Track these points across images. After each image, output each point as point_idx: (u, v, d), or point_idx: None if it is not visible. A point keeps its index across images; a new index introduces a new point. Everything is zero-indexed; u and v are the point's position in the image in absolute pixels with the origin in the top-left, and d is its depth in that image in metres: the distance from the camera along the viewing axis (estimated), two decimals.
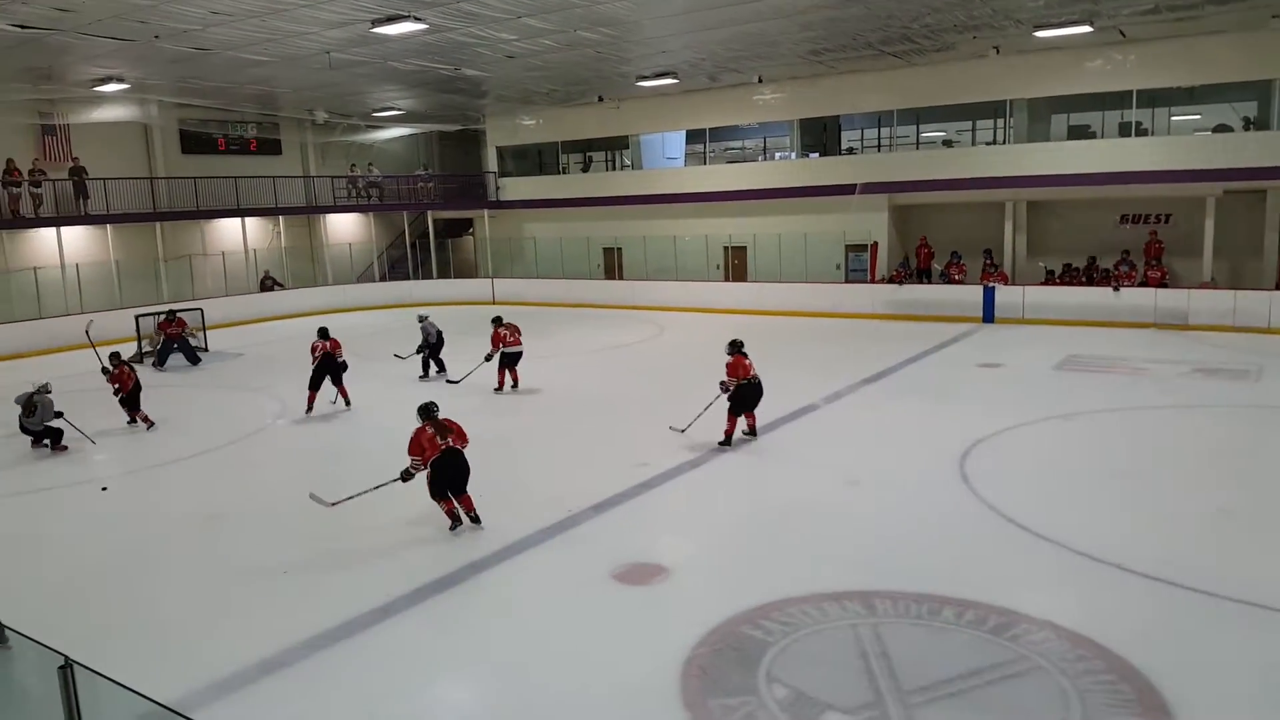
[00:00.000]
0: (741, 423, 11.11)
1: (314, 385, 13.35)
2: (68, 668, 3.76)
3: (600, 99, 25.49)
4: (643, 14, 15.83)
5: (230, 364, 18.64)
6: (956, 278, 21.24)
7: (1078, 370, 15.09)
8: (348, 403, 13.62)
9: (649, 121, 26.34)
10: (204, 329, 19.85)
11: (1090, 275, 20.57)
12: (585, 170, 29.47)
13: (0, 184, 21.26)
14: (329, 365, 13.40)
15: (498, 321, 14.59)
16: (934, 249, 22.44)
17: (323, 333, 13.74)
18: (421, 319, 16.04)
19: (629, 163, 27.97)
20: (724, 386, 10.82)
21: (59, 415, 11.67)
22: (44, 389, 11.65)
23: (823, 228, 23.35)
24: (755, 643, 6.11)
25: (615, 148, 28.53)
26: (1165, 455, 10.45)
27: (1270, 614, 6.33)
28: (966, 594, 6.69)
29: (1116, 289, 19.27)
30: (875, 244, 23.00)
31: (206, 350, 19.54)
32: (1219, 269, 19.58)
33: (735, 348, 11.00)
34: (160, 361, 18.44)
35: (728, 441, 10.89)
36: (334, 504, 8.34)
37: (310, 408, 13.29)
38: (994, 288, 20.54)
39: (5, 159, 21.41)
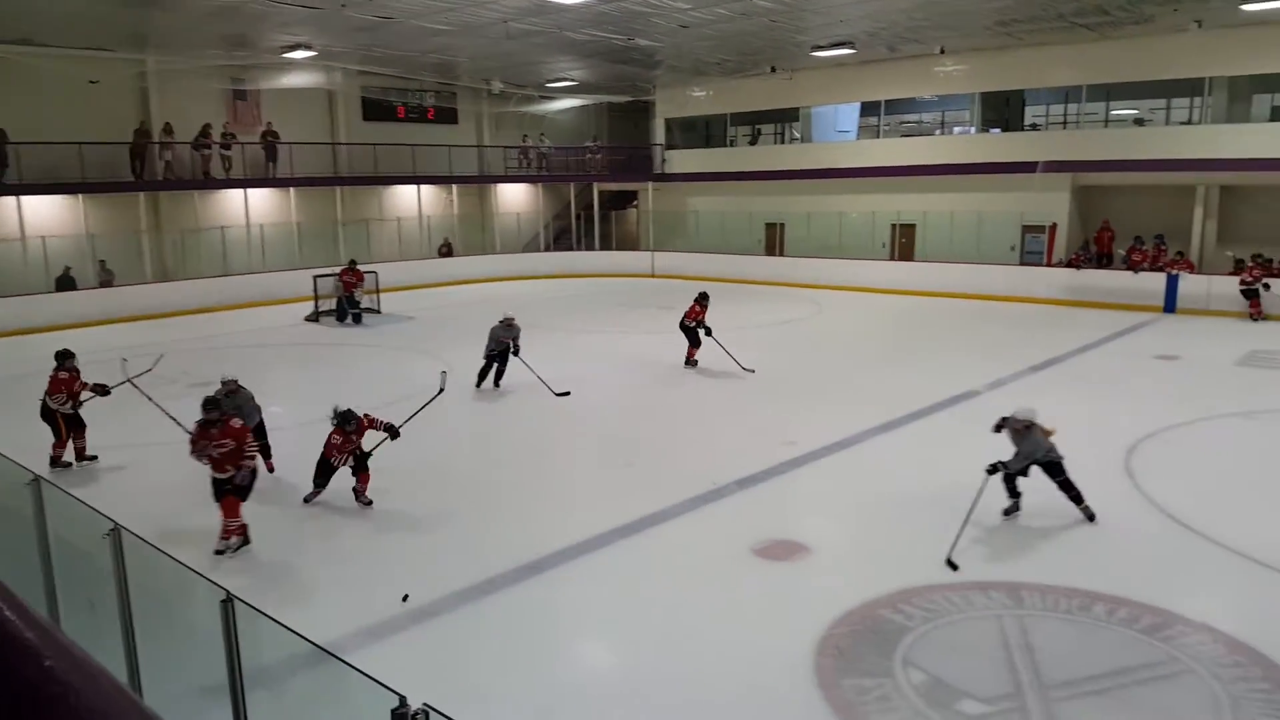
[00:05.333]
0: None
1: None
2: (229, 602, 4.08)
3: (773, 69, 25.23)
4: None
5: (402, 326, 19.86)
6: (1139, 263, 19.93)
7: (1262, 367, 14.01)
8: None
9: (822, 93, 25.85)
10: (378, 291, 21.12)
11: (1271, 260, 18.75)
12: (753, 143, 29.30)
13: (193, 146, 22.84)
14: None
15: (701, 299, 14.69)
16: (1116, 232, 21.10)
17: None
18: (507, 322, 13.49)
19: (798, 135, 27.59)
20: None
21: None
22: (231, 386, 9.16)
23: (999, 207, 22.34)
24: (894, 626, 6.18)
25: (785, 120, 28.21)
26: None
27: None
28: (1120, 591, 6.51)
29: None
30: (1054, 225, 21.84)
31: (379, 312, 20.82)
32: None
33: None
34: (340, 315, 19.92)
35: None
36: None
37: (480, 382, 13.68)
38: (1178, 276, 19.15)
39: (201, 123, 22.91)
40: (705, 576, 7.12)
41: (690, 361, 14.66)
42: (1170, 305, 19.15)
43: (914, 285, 22.48)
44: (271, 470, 9.38)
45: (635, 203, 31.38)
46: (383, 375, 15.05)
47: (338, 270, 20.64)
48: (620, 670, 5.99)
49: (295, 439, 11.15)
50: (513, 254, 28.91)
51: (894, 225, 24.70)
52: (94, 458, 10.01)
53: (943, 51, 22.19)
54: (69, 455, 9.88)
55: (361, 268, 20.89)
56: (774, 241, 27.47)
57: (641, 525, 8.08)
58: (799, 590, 6.89)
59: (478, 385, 13.33)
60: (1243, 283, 18.09)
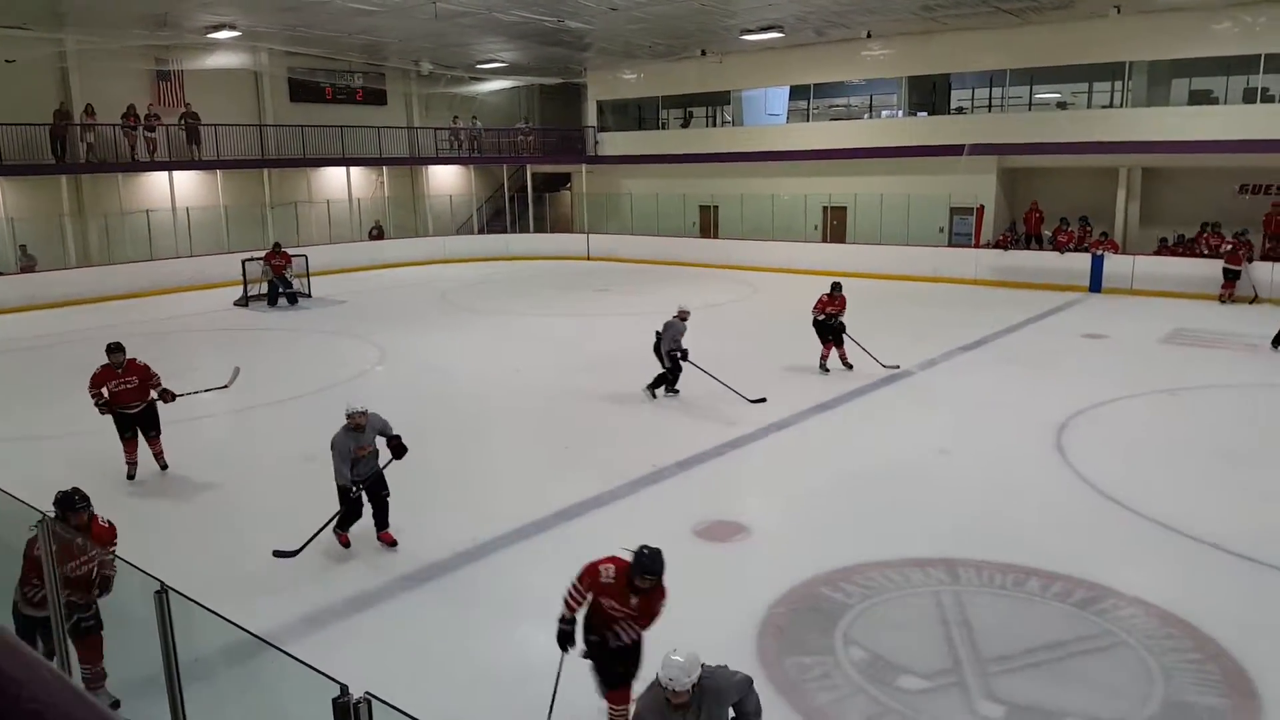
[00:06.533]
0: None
1: None
2: (164, 593, 3.98)
3: (703, 53, 25.18)
4: None
5: (333, 310, 19.39)
6: (1065, 244, 20.45)
7: (1186, 344, 14.47)
8: None
9: (752, 76, 25.90)
10: (308, 275, 20.61)
11: (1202, 245, 19.37)
12: (685, 126, 29.26)
13: (118, 127, 22.13)
14: None
15: None
16: (1044, 214, 21.61)
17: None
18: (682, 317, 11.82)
19: (730, 119, 27.62)
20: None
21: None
22: (356, 420, 7.06)
23: (927, 189, 22.67)
24: (834, 604, 6.19)
25: (716, 103, 28.21)
26: (1271, 435, 9.99)
27: None
28: (1054, 566, 6.62)
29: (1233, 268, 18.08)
30: (981, 207, 22.26)
31: (310, 296, 20.33)
32: None
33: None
34: (272, 300, 19.39)
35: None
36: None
37: None
38: (1103, 256, 19.71)
39: (123, 104, 22.22)
40: None
41: (828, 365, 12.61)
42: (1096, 285, 19.68)
43: (846, 267, 22.68)
44: None
45: (569, 185, 31.12)
46: (314, 359, 14.67)
47: (263, 254, 20.09)
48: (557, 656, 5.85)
49: (228, 425, 10.78)
50: (446, 236, 28.42)
51: (825, 208, 24.92)
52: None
53: (869, 36, 22.39)
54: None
55: (291, 251, 20.38)
56: (709, 224, 27.50)
57: (581, 510, 7.96)
58: (739, 571, 6.86)
59: (652, 394, 11.59)
60: (1230, 261, 18.12)
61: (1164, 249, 19.89)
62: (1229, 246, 18.22)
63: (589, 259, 27.78)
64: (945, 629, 5.86)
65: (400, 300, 20.56)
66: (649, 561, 4.67)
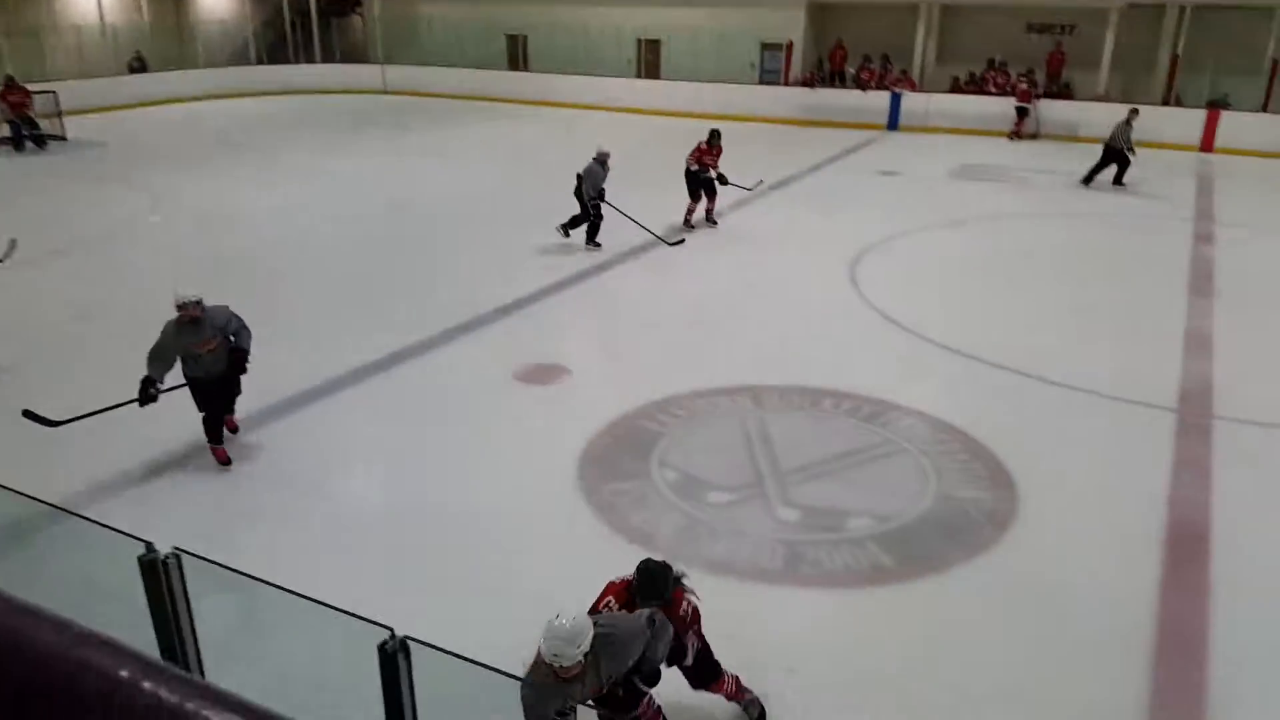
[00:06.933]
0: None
1: None
2: None
3: None
4: None
5: (94, 154, 17.32)
6: (867, 82, 21.07)
7: (970, 180, 15.53)
8: None
9: None
10: (59, 114, 18.17)
11: (989, 83, 20.56)
12: None
13: None
14: None
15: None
16: (849, 51, 22.07)
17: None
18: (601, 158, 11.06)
19: None
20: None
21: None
22: (189, 310, 5.83)
23: (738, 23, 22.55)
24: (649, 434, 6.47)
25: None
26: (1038, 260, 11.03)
27: (1104, 400, 7.06)
28: (846, 386, 7.18)
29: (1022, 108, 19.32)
30: (790, 43, 22.43)
31: (64, 139, 18.00)
32: (1114, 83, 19.96)
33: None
34: (18, 144, 17.06)
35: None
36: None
37: None
38: (900, 94, 20.51)
39: None
40: (466, 405, 7.04)
41: (692, 222, 12.03)
42: (894, 123, 20.53)
43: (661, 105, 22.51)
44: None
45: (359, 8, 28.57)
46: (76, 209, 13.15)
47: None
48: (386, 504, 5.85)
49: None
50: (219, 68, 25.51)
51: (640, 40, 24.33)
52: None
53: None
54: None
55: (34, 87, 17.76)
56: (518, 55, 26.26)
57: (393, 360, 7.78)
58: (561, 410, 6.99)
59: (565, 234, 11.13)
60: (1021, 99, 19.15)
61: (957, 87, 20.92)
62: (1024, 85, 19.37)
63: (386, 93, 26.07)
64: (749, 448, 6.29)
65: (171, 142, 18.62)
66: (648, 585, 3.58)
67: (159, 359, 5.78)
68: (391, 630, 2.97)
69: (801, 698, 4.12)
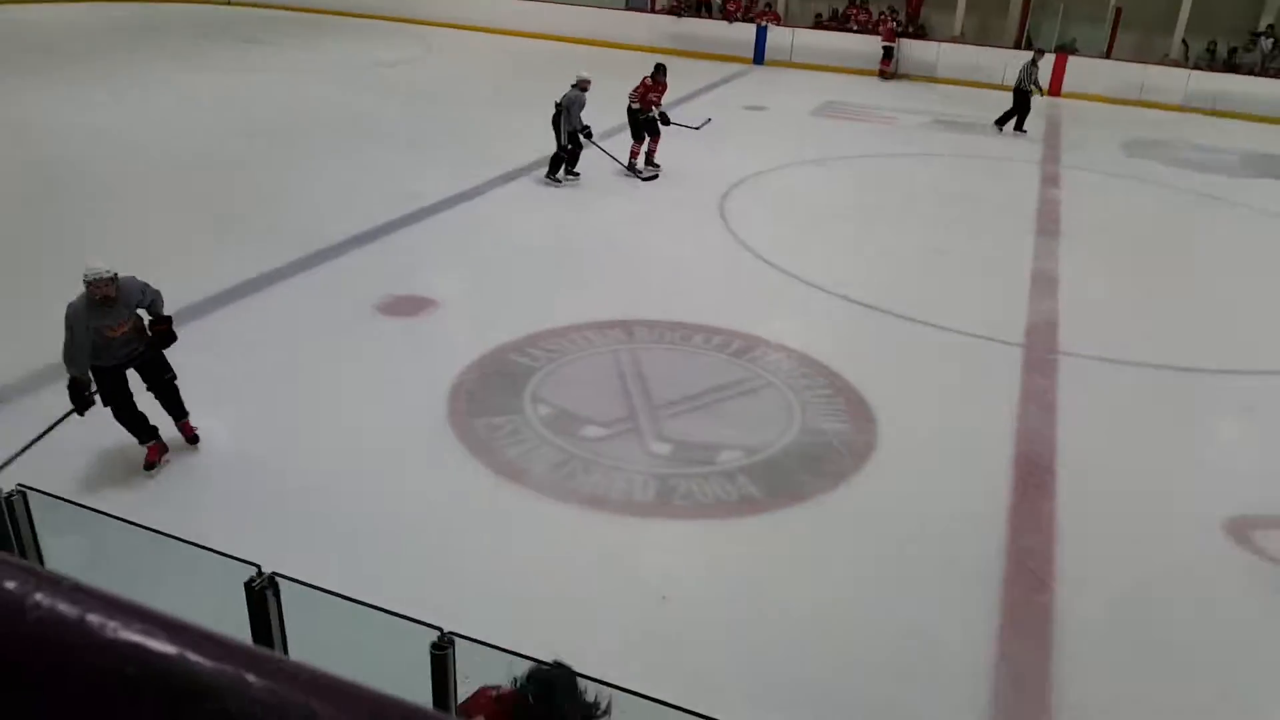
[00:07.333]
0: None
1: None
2: None
3: None
4: None
5: None
6: (733, 13, 21.04)
7: (833, 117, 15.84)
8: None
9: None
10: None
11: (851, 19, 20.92)
12: None
13: None
14: None
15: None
16: None
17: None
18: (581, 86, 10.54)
19: None
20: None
21: None
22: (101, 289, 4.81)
23: None
24: (522, 368, 6.42)
25: None
26: (897, 199, 11.45)
27: (958, 336, 7.45)
28: (716, 322, 7.30)
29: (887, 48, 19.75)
30: None
31: None
32: (969, 24, 20.68)
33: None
34: None
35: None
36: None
37: None
38: (766, 28, 20.60)
39: None
40: (327, 339, 6.78)
41: (638, 167, 11.42)
42: (759, 57, 20.64)
43: (524, 27, 21.82)
44: None
45: None
46: None
47: None
48: (242, 447, 5.58)
49: None
50: None
51: None
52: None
53: None
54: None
55: None
56: None
57: (244, 290, 7.38)
58: (428, 343, 6.84)
59: (556, 180, 10.68)
60: (886, 38, 19.47)
61: (820, 24, 21.18)
62: (891, 23, 19.76)
63: (230, 4, 24.20)
64: (622, 383, 6.34)
65: None
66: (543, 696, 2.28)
67: (79, 352, 4.75)
68: (258, 567, 2.88)
69: (674, 626, 4.26)
